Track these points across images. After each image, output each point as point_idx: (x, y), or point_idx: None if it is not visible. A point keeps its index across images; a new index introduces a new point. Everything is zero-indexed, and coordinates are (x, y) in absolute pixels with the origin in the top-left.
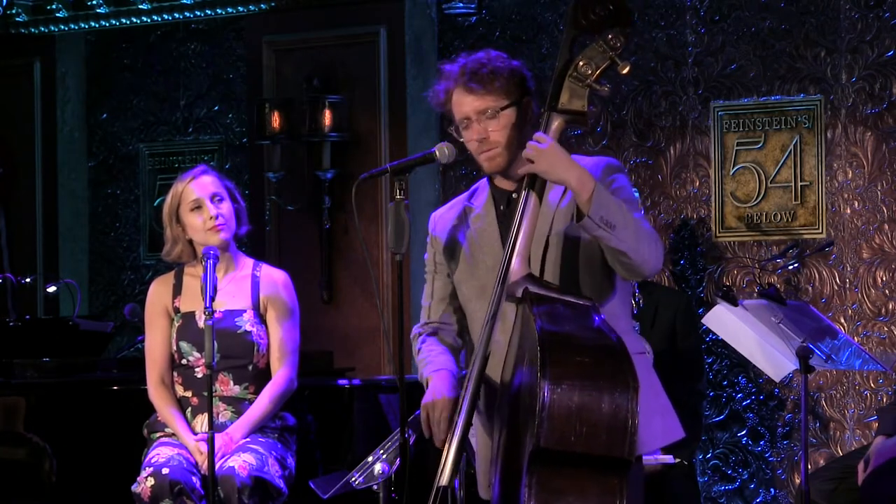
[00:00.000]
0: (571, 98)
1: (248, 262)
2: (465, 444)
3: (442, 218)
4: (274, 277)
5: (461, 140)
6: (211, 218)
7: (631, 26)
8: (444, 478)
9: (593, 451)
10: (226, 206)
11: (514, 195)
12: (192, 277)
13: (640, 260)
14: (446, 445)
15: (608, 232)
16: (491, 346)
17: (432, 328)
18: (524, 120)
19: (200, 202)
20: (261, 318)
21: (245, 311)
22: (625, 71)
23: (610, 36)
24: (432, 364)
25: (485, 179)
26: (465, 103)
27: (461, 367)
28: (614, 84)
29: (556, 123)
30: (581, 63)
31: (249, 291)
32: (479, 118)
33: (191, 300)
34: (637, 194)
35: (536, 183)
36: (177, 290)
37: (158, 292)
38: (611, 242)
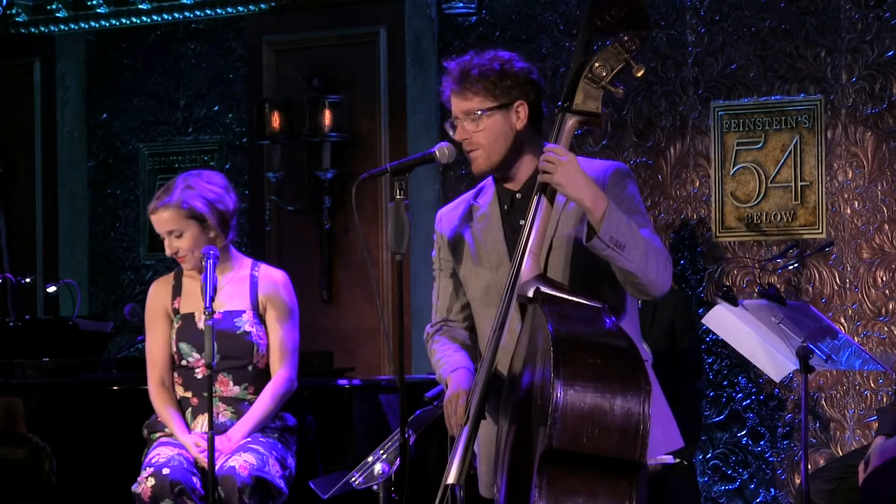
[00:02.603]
0: (586, 99)
1: (246, 263)
2: (473, 443)
3: (448, 216)
4: (273, 277)
5: (454, 137)
6: (172, 252)
7: (647, 28)
8: (452, 476)
9: (605, 452)
10: (185, 239)
11: (517, 195)
12: (192, 279)
13: (648, 280)
14: (455, 443)
15: (618, 252)
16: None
17: (444, 326)
18: (514, 124)
19: (162, 234)
20: (260, 319)
21: (244, 311)
22: (639, 73)
23: (625, 38)
24: (449, 364)
25: (490, 178)
26: (453, 103)
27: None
28: (627, 86)
29: (570, 124)
30: (596, 64)
31: (248, 292)
32: (465, 119)
33: (190, 301)
34: None
35: (548, 188)
36: (176, 291)
37: (158, 294)
38: (619, 263)
